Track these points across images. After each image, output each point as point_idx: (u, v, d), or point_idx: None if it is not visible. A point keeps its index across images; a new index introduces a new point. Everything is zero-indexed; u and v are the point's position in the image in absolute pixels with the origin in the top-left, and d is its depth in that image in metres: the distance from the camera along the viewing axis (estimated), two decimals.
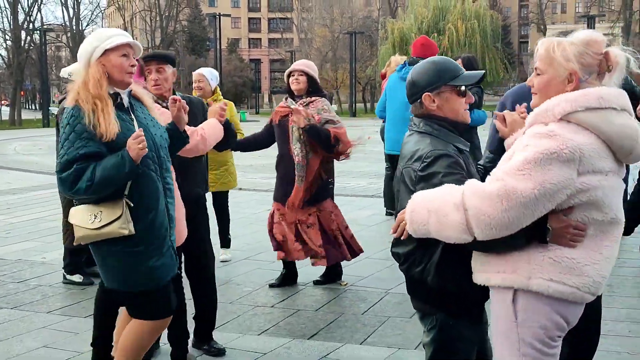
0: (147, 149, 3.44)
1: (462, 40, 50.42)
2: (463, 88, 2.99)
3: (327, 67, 67.23)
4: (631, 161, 2.60)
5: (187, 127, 4.18)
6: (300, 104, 5.95)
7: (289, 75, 6.13)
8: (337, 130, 5.92)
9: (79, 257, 6.77)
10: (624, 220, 2.57)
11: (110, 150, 3.42)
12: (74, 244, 3.78)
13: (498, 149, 3.18)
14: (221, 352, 4.85)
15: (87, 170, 3.36)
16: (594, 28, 46.57)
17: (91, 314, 5.65)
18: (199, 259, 4.83)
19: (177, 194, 3.95)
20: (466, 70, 7.30)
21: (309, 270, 6.81)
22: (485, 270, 2.66)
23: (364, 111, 61.26)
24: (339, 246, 6.23)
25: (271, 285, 6.48)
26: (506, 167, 2.49)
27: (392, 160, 8.64)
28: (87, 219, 3.49)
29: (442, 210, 2.52)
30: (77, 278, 6.76)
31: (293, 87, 6.08)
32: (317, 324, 5.48)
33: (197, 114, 4.73)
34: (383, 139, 9.30)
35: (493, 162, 3.03)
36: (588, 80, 2.55)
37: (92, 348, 4.47)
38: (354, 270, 6.98)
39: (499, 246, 2.52)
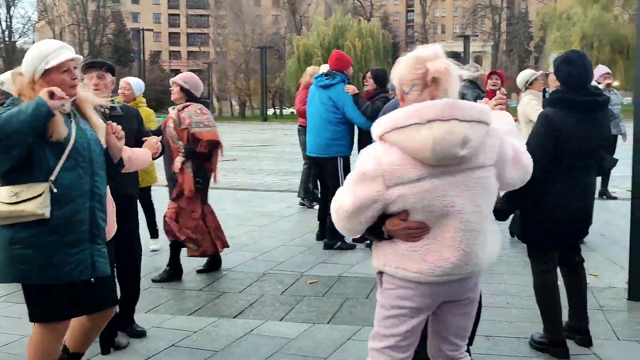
0: (63, 103, 3.12)
1: (359, 55, 51.28)
2: None
3: (240, 78, 67.58)
4: (439, 162, 2.51)
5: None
6: (177, 110, 6.00)
7: None
8: (200, 131, 5.91)
9: None
10: (464, 209, 2.59)
11: (53, 149, 3.17)
12: None
13: None
14: (142, 333, 4.73)
15: None
16: (469, 47, 48.20)
17: None
18: (129, 251, 4.67)
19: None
20: (376, 82, 7.34)
21: (232, 258, 6.81)
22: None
23: (274, 116, 61.48)
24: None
25: (198, 271, 6.39)
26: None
27: (310, 159, 8.59)
28: (6, 195, 3.13)
29: None
30: None
31: (172, 97, 6.13)
32: (241, 304, 5.44)
33: (133, 122, 4.62)
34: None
35: None
36: (410, 93, 2.58)
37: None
38: (273, 256, 6.99)
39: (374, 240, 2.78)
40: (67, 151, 3.20)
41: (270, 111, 63.75)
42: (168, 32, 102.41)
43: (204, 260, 6.45)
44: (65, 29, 78.28)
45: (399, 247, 2.66)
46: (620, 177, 7.24)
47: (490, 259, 2.78)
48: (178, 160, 5.93)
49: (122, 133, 3.52)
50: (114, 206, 3.93)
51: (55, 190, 3.16)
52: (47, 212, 3.12)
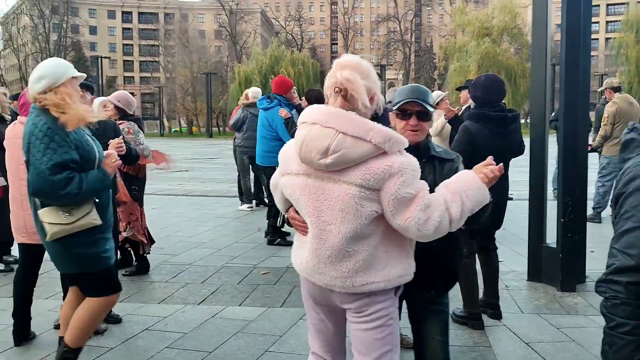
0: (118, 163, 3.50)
1: (293, 80, 51.18)
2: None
3: (188, 100, 66.75)
4: (304, 161, 2.28)
5: None
6: None
7: None
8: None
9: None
10: (315, 216, 2.28)
11: (82, 158, 3.23)
12: (48, 239, 3.29)
13: None
14: (118, 320, 4.64)
15: (75, 178, 3.13)
16: (384, 75, 49.00)
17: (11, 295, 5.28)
18: None
19: None
20: (309, 102, 7.32)
21: (193, 253, 6.72)
22: None
23: (217, 133, 60.86)
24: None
25: (124, 274, 5.97)
26: None
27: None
28: (59, 215, 3.20)
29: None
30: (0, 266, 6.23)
31: (107, 114, 5.76)
32: (203, 293, 5.38)
33: (109, 134, 4.64)
34: None
35: None
36: (329, 98, 2.31)
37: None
38: (228, 252, 6.94)
39: None
40: (96, 166, 3.36)
41: (214, 129, 63.19)
42: (123, 60, 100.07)
43: (167, 256, 6.34)
44: (28, 56, 75.49)
45: (295, 238, 2.57)
46: (516, 182, 7.56)
47: (337, 282, 2.29)
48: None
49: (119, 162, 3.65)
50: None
51: (97, 200, 3.34)
52: (99, 221, 3.32)
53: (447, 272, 2.71)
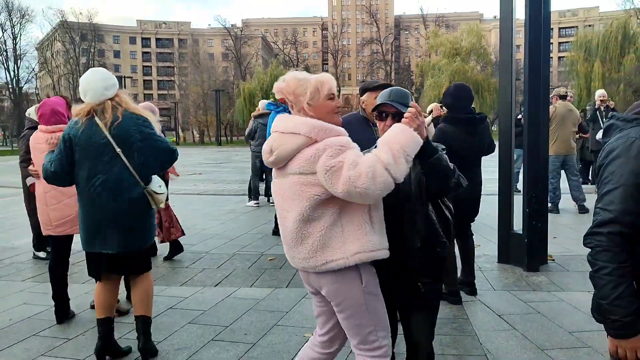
0: None
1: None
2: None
3: (199, 113, 66.73)
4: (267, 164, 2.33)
5: None
6: None
7: None
8: None
9: (42, 238, 6.22)
10: (278, 207, 2.33)
11: None
12: (162, 205, 3.47)
13: None
14: None
15: None
16: None
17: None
18: None
19: None
20: None
21: (208, 243, 6.68)
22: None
23: (226, 142, 60.76)
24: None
25: (165, 258, 6.07)
26: None
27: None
28: (157, 187, 3.42)
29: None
30: (42, 254, 6.20)
31: None
32: (218, 276, 5.36)
33: None
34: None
35: None
36: None
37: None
38: (239, 242, 6.91)
39: None
40: None
41: (223, 138, 63.11)
42: (143, 79, 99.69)
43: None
44: (61, 77, 75.15)
45: None
46: (486, 180, 7.63)
47: (304, 263, 2.26)
48: None
49: None
50: None
51: None
52: None
53: (432, 263, 2.43)
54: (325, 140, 2.16)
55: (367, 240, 2.19)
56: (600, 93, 10.40)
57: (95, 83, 3.31)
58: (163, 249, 6.21)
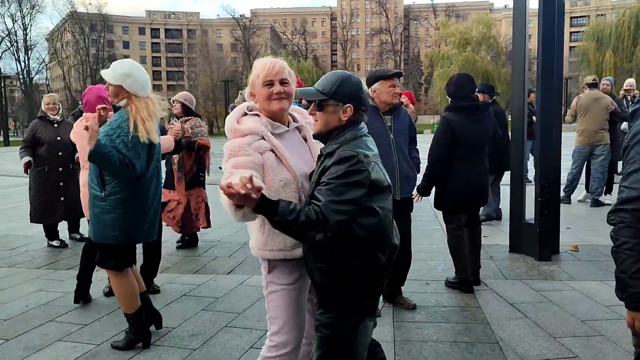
0: None
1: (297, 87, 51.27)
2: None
3: (209, 104, 66.80)
4: None
5: None
6: (181, 121, 5.86)
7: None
8: (201, 140, 5.87)
9: (55, 228, 6.33)
10: None
11: None
12: None
13: None
14: (157, 291, 4.60)
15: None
16: None
17: (70, 267, 5.34)
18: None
19: None
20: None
21: (221, 232, 6.72)
22: None
23: None
24: (193, 221, 5.98)
25: (178, 247, 6.17)
26: None
27: None
28: None
29: None
30: (55, 243, 6.28)
31: (174, 111, 5.99)
32: (231, 264, 5.41)
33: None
34: None
35: None
36: None
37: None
38: (218, 234, 6.93)
39: None
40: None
41: None
42: (152, 70, 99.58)
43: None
44: (71, 68, 75.44)
45: None
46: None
47: (252, 248, 2.29)
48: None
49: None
50: None
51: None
52: None
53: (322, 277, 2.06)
54: (229, 141, 2.17)
55: (266, 237, 2.21)
56: (627, 82, 10.18)
57: (146, 76, 3.45)
58: (174, 237, 6.27)
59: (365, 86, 2.20)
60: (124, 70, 3.31)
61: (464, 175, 4.30)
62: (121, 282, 3.44)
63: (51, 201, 6.12)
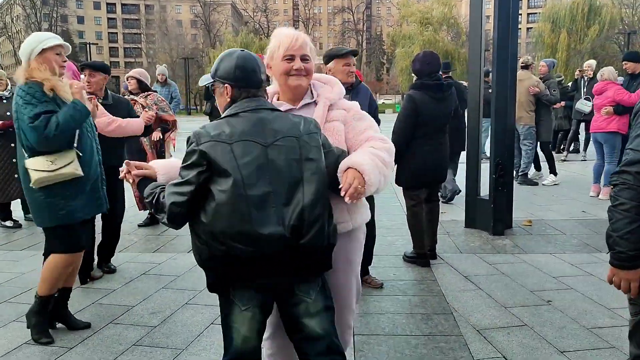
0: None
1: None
2: None
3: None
4: None
5: (106, 115, 4.04)
6: (141, 96, 5.81)
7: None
8: (167, 116, 5.85)
9: (8, 208, 6.15)
10: None
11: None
12: (33, 185, 3.08)
13: None
14: (113, 270, 4.54)
15: (52, 118, 3.01)
16: None
17: (24, 247, 5.22)
18: (114, 207, 4.27)
19: None
20: None
21: None
22: (345, 220, 2.14)
23: (195, 111, 59.88)
24: None
25: (140, 225, 6.09)
26: (373, 131, 2.14)
27: None
28: (45, 164, 3.04)
29: (384, 171, 2.00)
30: (9, 223, 6.11)
31: (129, 87, 5.95)
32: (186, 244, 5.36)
33: (123, 109, 4.49)
34: None
35: None
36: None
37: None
38: None
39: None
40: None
41: (193, 109, 62.25)
42: (108, 47, 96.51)
43: None
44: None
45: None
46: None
47: None
48: (155, 135, 5.91)
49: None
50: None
51: (80, 154, 3.17)
52: (80, 172, 3.13)
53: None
54: None
55: None
56: (586, 63, 10.43)
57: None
58: (137, 216, 6.18)
59: (260, 62, 2.04)
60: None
61: (426, 153, 4.37)
62: (67, 262, 3.25)
63: (5, 179, 5.92)
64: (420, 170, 4.40)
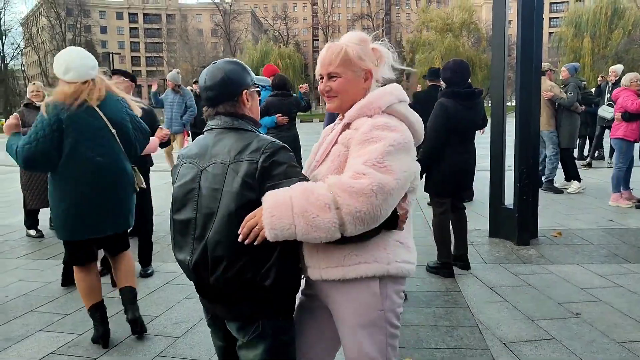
0: None
1: (281, 71, 51.00)
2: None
3: (197, 87, 66.03)
4: (418, 143, 1.89)
5: None
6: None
7: None
8: None
9: (36, 216, 6.26)
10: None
11: None
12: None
13: None
14: (149, 274, 4.74)
15: None
16: None
17: (50, 256, 5.29)
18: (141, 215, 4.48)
19: None
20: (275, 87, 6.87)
21: None
22: (329, 265, 1.77)
23: None
24: None
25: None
26: (362, 160, 1.64)
27: None
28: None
29: (310, 211, 1.59)
30: (32, 232, 6.20)
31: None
32: None
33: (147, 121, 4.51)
34: None
35: None
36: (379, 69, 1.91)
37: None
38: None
39: (363, 237, 1.67)
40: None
41: None
42: (130, 56, 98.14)
43: None
44: (47, 53, 73.79)
45: (399, 237, 1.80)
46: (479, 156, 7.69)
47: None
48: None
49: None
50: None
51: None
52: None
53: None
54: None
55: None
56: (610, 69, 10.34)
57: (80, 61, 3.16)
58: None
59: (230, 74, 1.91)
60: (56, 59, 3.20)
61: (456, 160, 4.39)
62: (77, 277, 3.35)
63: (43, 187, 6.01)
64: (449, 177, 4.41)
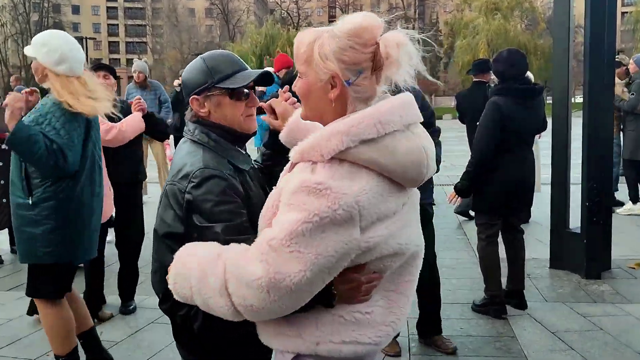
0: None
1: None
2: (242, 90, 1.99)
3: (179, 82, 66.55)
4: (416, 185, 1.64)
5: (104, 123, 4.05)
6: None
7: None
8: None
9: None
10: (422, 244, 1.71)
11: None
12: None
13: (273, 144, 2.27)
14: (130, 311, 4.78)
15: None
16: None
17: (11, 287, 5.35)
18: (129, 234, 4.68)
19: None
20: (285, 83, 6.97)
21: None
22: (262, 329, 1.69)
23: None
24: None
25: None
26: (270, 234, 1.47)
27: None
28: None
29: (204, 291, 1.56)
30: None
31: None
32: None
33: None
34: None
35: (270, 160, 2.30)
36: (357, 82, 1.55)
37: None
38: None
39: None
40: None
41: None
42: (108, 41, 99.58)
43: None
44: (8, 38, 75.15)
45: (349, 311, 1.60)
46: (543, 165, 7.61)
47: None
48: None
49: None
50: (111, 189, 3.95)
51: None
52: None
53: None
54: None
55: None
56: None
57: (77, 53, 3.20)
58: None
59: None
60: (40, 39, 3.17)
61: (511, 171, 4.40)
62: (55, 315, 3.29)
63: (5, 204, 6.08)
64: (503, 191, 4.41)
